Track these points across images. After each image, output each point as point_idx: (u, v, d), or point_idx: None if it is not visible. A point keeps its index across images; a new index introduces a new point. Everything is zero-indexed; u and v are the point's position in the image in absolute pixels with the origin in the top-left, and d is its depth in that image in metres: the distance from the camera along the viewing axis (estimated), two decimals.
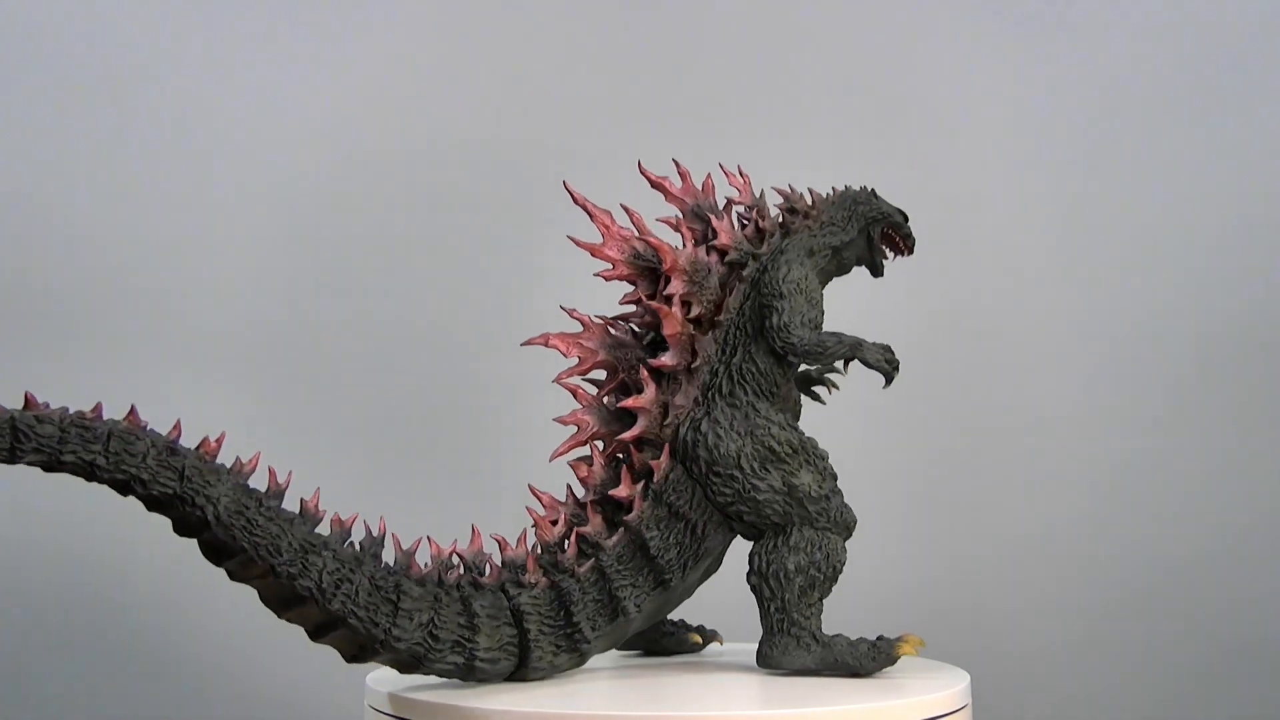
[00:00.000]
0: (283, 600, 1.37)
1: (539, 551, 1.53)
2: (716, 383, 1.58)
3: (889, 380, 1.60)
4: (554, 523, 1.54)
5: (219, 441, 1.32)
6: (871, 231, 1.73)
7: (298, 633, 1.44)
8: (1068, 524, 2.39)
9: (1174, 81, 2.47)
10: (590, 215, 1.60)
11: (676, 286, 1.56)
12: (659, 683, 1.54)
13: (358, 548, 1.42)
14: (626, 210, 1.61)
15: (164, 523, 1.34)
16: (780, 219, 1.67)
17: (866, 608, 2.25)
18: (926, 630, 2.20)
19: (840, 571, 1.56)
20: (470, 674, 1.45)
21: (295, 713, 2.26)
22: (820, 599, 1.54)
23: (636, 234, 1.59)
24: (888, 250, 1.76)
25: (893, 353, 1.60)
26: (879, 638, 1.54)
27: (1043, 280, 2.45)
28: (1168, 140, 2.46)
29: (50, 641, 2.23)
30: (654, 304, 1.57)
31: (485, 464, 2.29)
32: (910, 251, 1.77)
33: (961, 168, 2.46)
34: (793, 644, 1.52)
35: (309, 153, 2.41)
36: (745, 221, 1.66)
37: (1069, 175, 2.48)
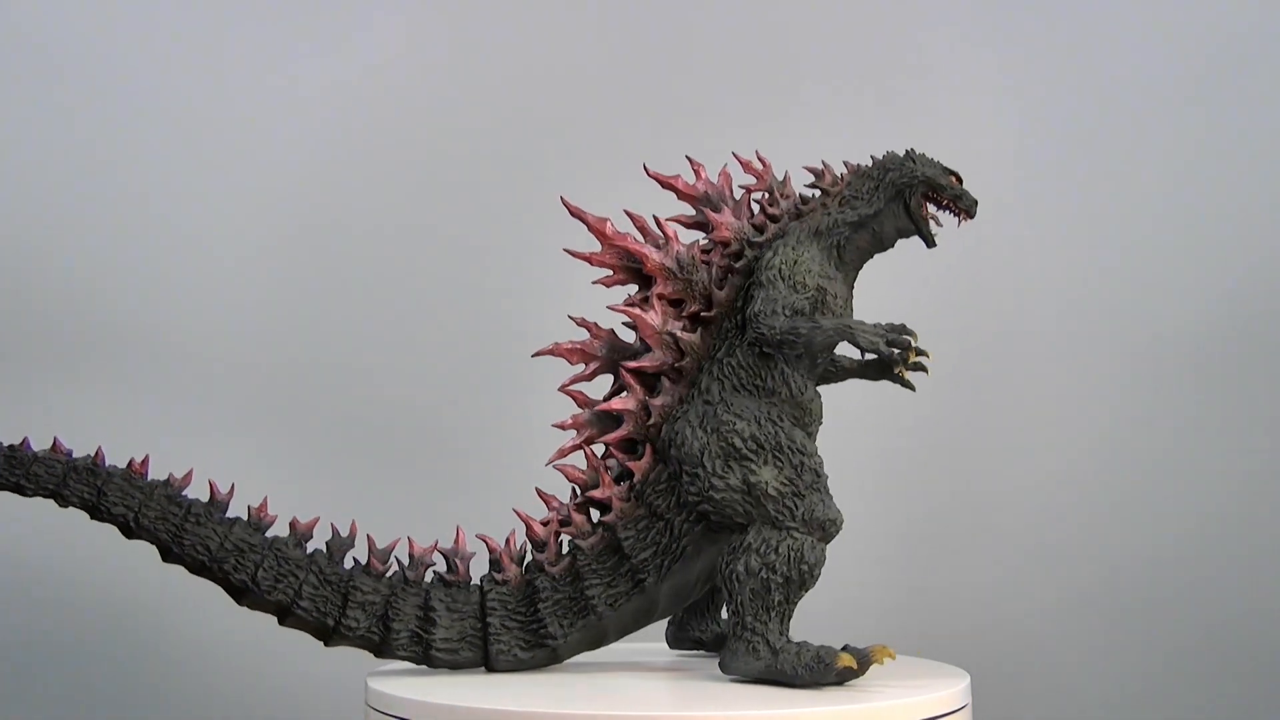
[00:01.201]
0: (232, 591, 1.54)
1: (527, 550, 1.59)
2: (700, 379, 1.56)
3: (892, 362, 1.48)
4: (546, 523, 1.58)
5: (144, 462, 1.52)
6: (908, 199, 1.60)
7: (297, 633, 1.58)
8: (1070, 525, 2.38)
9: (1182, 79, 2.47)
10: (587, 225, 1.59)
11: (661, 287, 1.56)
12: (655, 684, 1.54)
13: (325, 549, 1.56)
14: (630, 215, 1.61)
15: None
16: (796, 201, 1.63)
17: (867, 608, 2.26)
18: (927, 629, 2.22)
19: (810, 573, 1.46)
20: (430, 662, 1.55)
21: (295, 713, 2.26)
22: (782, 602, 1.45)
23: (632, 238, 1.58)
24: (938, 215, 1.63)
25: (903, 331, 1.49)
26: (844, 646, 1.46)
27: (1048, 284, 2.45)
28: (1172, 140, 2.46)
29: (49, 641, 2.23)
30: (623, 308, 1.57)
31: (495, 468, 2.28)
32: (967, 214, 1.63)
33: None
34: (743, 649, 1.46)
35: (309, 156, 2.41)
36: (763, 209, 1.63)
37: (1071, 176, 2.48)
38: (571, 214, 1.59)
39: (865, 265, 1.66)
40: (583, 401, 1.61)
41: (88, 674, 2.23)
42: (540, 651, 1.56)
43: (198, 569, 1.53)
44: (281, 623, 1.55)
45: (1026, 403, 2.42)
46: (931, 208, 1.63)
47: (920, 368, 1.56)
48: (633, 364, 1.57)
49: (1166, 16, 2.47)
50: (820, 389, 1.65)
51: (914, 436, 2.39)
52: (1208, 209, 2.44)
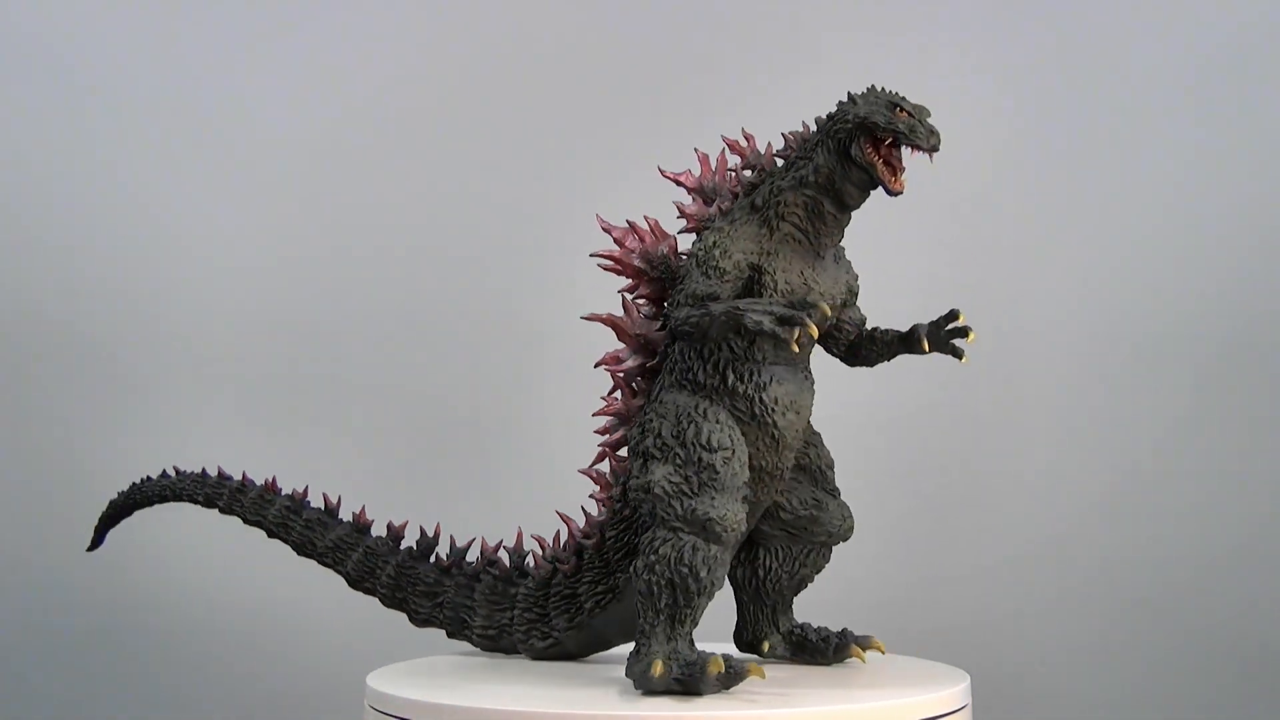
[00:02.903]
0: (345, 579, 1.77)
1: (561, 548, 1.67)
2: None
3: (781, 340, 1.36)
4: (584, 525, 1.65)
5: (272, 482, 1.79)
6: (851, 148, 1.42)
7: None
8: (1071, 525, 2.38)
9: (1183, 75, 2.47)
10: (614, 240, 1.56)
11: (644, 288, 1.55)
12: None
13: (414, 546, 1.75)
14: (641, 220, 1.59)
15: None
16: (755, 173, 1.53)
17: (867, 608, 2.26)
18: (927, 628, 2.22)
19: (693, 576, 1.38)
20: (476, 644, 1.71)
21: (295, 712, 2.26)
22: (670, 605, 1.38)
23: (636, 243, 1.56)
24: (896, 156, 1.42)
25: (800, 307, 1.37)
26: (728, 663, 1.35)
27: (1048, 283, 2.45)
28: (1172, 137, 2.46)
29: (50, 639, 2.24)
30: (596, 316, 1.56)
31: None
32: (924, 148, 1.41)
33: (962, 168, 2.46)
34: (634, 650, 1.42)
35: (324, 152, 2.42)
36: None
37: (1071, 172, 2.48)
38: (603, 229, 1.57)
39: (866, 251, 1.58)
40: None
41: (87, 672, 2.23)
42: (551, 643, 1.64)
43: (318, 562, 1.78)
44: (384, 605, 1.77)
45: (1027, 402, 2.42)
46: (904, 150, 1.43)
47: (963, 333, 1.46)
48: (613, 367, 1.57)
49: (1167, 13, 2.47)
50: (822, 381, 1.55)
51: (913, 435, 2.39)
52: (1209, 206, 2.44)
